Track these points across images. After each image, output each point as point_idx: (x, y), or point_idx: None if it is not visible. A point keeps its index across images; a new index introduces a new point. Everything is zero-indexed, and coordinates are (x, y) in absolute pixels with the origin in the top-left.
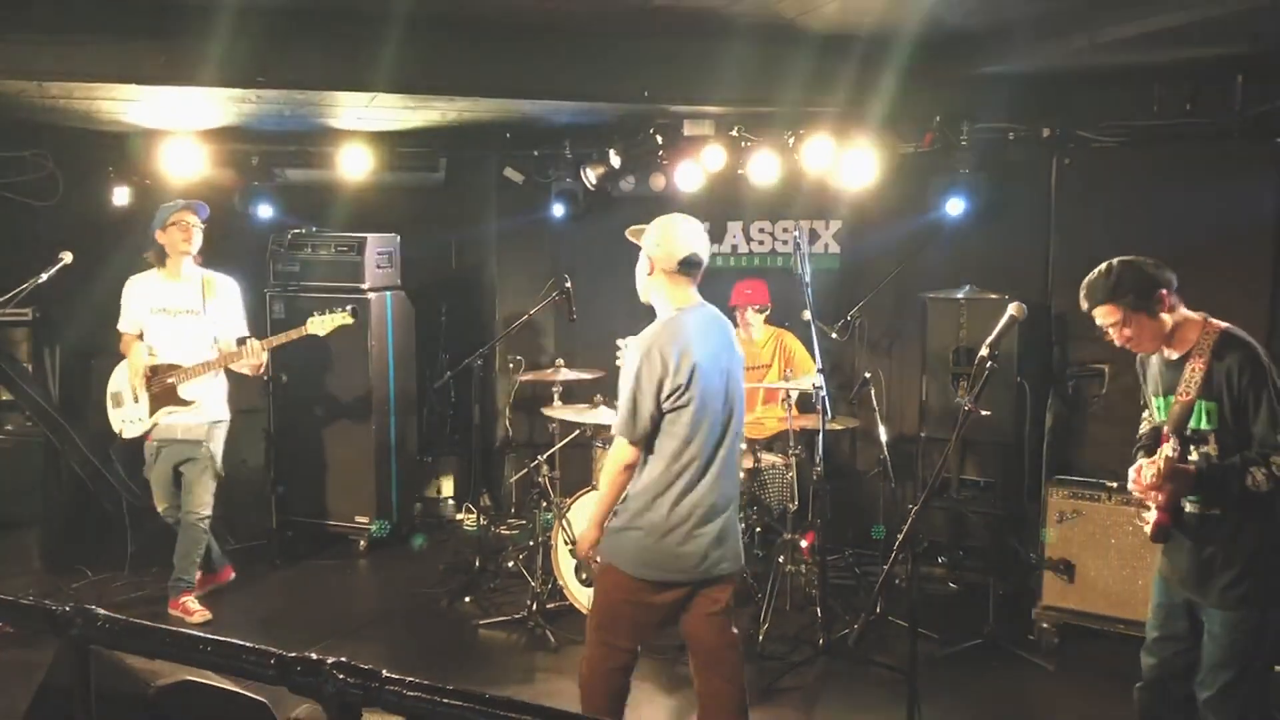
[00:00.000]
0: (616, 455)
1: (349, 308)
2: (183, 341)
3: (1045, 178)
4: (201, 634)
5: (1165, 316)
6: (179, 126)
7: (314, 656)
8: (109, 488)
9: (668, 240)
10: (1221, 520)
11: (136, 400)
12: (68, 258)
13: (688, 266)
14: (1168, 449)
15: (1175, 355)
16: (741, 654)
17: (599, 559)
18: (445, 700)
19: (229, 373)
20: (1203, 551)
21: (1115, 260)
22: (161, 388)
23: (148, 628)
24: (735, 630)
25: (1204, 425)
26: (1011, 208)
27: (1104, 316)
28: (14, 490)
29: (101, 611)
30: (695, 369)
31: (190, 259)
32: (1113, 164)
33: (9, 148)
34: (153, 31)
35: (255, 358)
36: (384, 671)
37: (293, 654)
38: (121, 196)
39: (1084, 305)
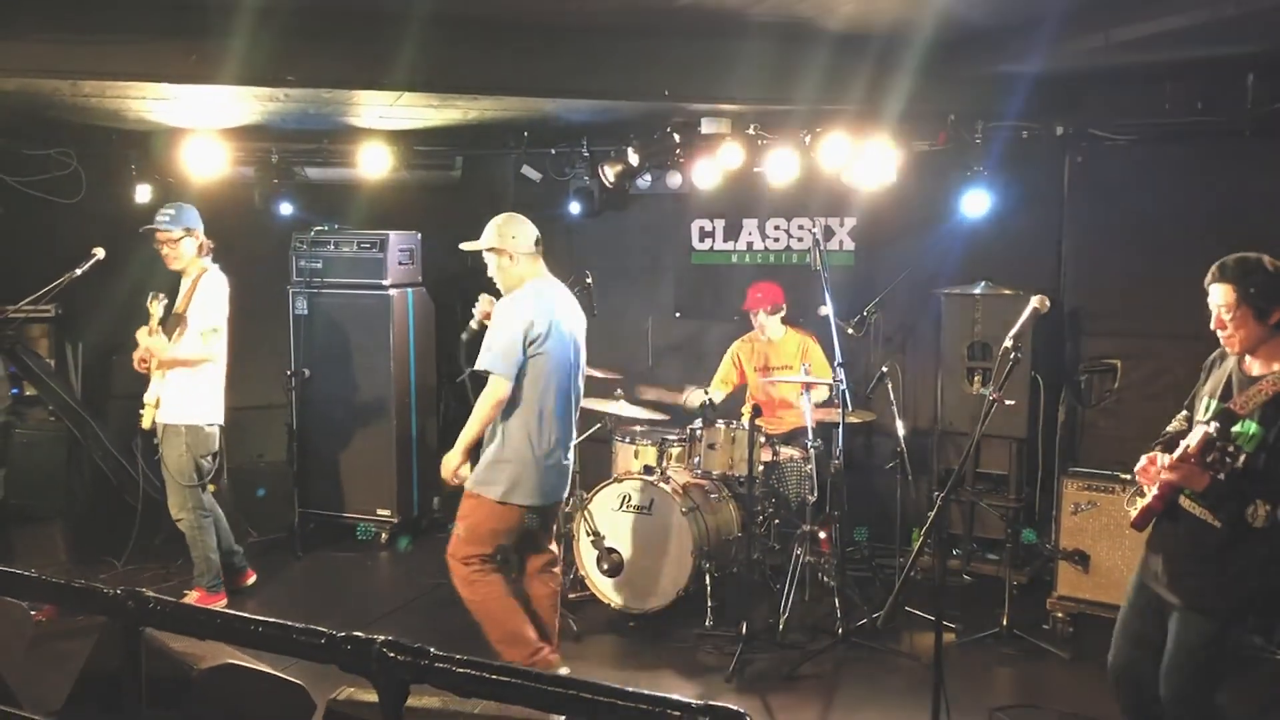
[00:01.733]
0: (494, 391)
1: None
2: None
3: (1058, 175)
4: (251, 615)
5: (1269, 327)
6: (201, 125)
7: (363, 635)
8: (131, 481)
9: (520, 230)
10: (1217, 533)
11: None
12: (100, 253)
13: (538, 245)
14: (1210, 427)
15: (1255, 370)
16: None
17: (470, 489)
18: (494, 676)
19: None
20: (1181, 549)
21: (1266, 256)
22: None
23: (199, 610)
24: (553, 548)
25: (1244, 445)
26: (1024, 205)
27: (1219, 294)
28: (39, 483)
29: (152, 594)
30: (551, 324)
31: (185, 263)
32: (1125, 162)
33: (33, 146)
34: (185, 31)
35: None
36: (432, 649)
37: (342, 633)
38: (143, 194)
39: (1208, 278)
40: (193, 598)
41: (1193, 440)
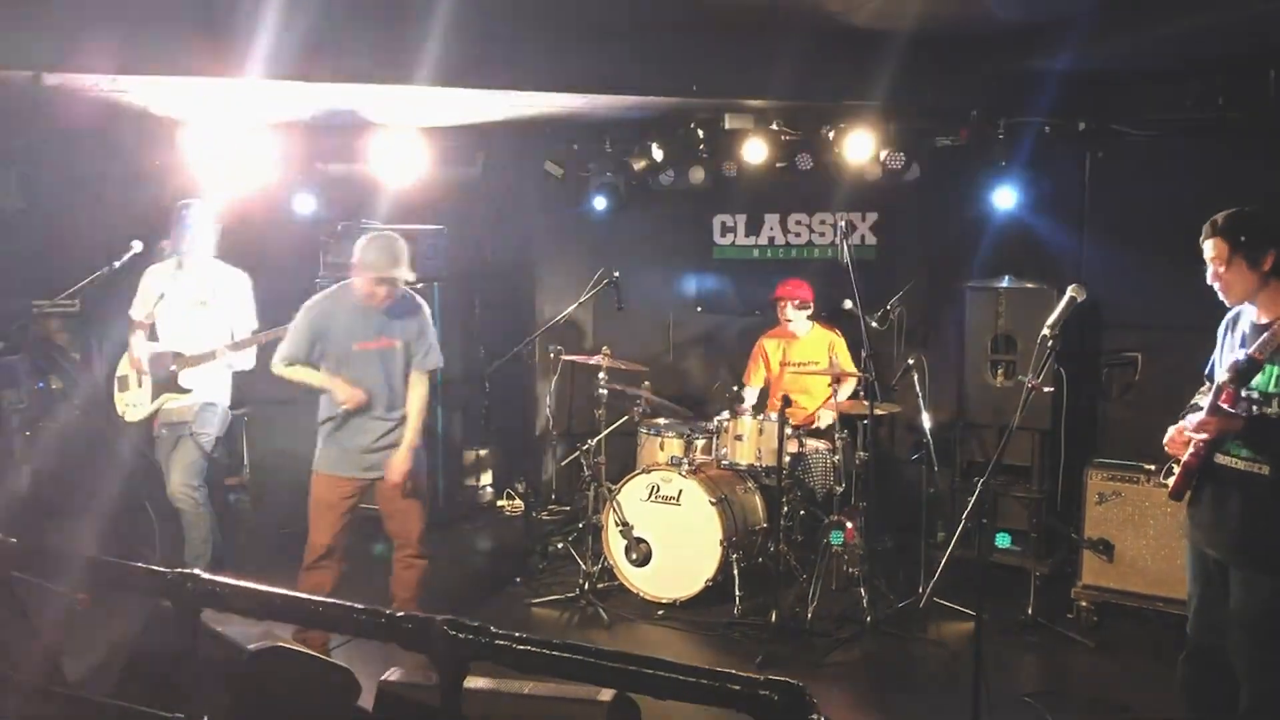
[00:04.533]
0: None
1: None
2: (190, 331)
3: (1079, 170)
4: (312, 595)
5: (1263, 274)
6: (227, 120)
7: (422, 614)
8: (157, 473)
9: None
10: (1265, 481)
11: (140, 385)
12: (138, 246)
13: None
14: (1241, 355)
15: (1264, 319)
16: None
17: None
18: (553, 653)
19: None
20: (1232, 507)
21: (1256, 206)
22: (164, 374)
23: (257, 590)
24: None
25: (1271, 388)
26: (1046, 200)
27: (1211, 248)
28: (66, 478)
29: (206, 575)
30: None
31: (199, 252)
32: (1146, 157)
33: (61, 142)
34: (217, 26)
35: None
36: (492, 627)
37: (401, 612)
38: (170, 190)
39: (1201, 236)
40: None
41: (1223, 376)
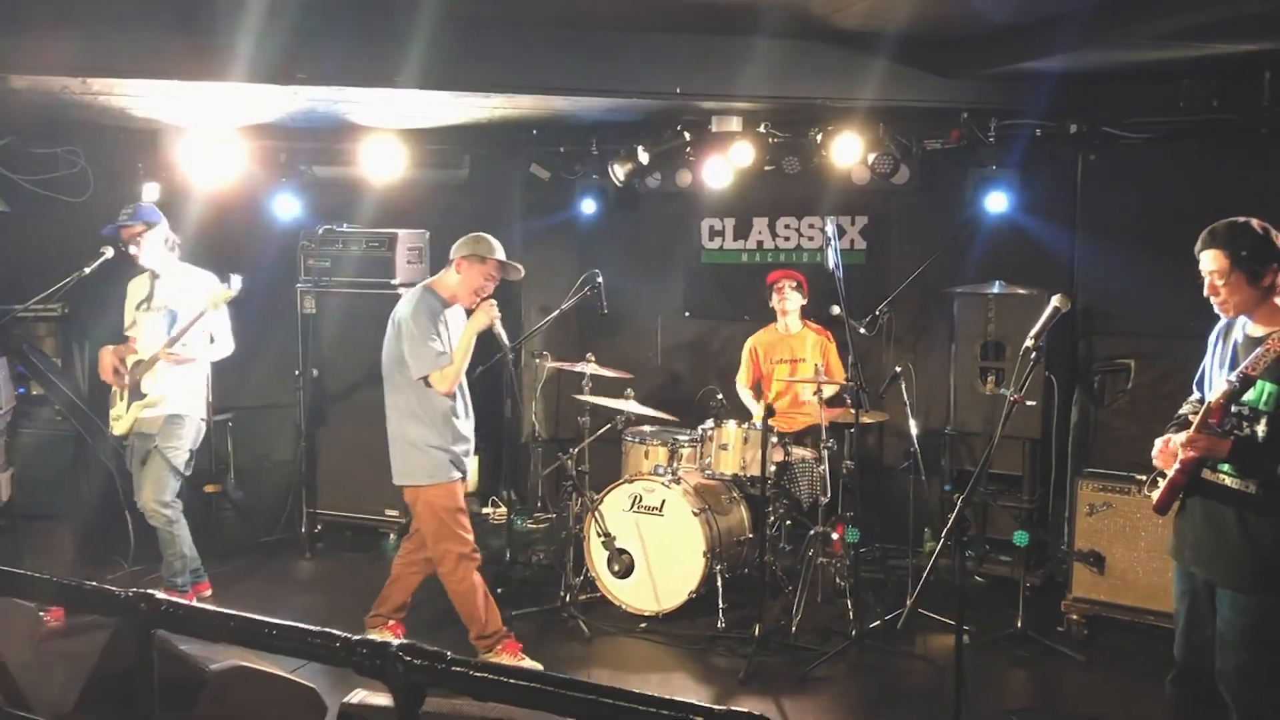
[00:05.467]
0: None
1: (232, 280)
2: (157, 338)
3: (1071, 173)
4: (266, 618)
5: (1263, 289)
6: (209, 123)
7: (379, 639)
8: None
9: None
10: (1254, 500)
11: (121, 398)
12: (109, 252)
13: None
14: (1233, 376)
15: (1259, 332)
16: None
17: None
18: (512, 680)
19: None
20: (1219, 524)
21: (1254, 219)
22: (132, 383)
23: (211, 611)
24: None
25: (1261, 405)
26: (1037, 203)
27: (1210, 260)
28: (46, 483)
29: (163, 596)
30: None
31: (164, 259)
32: (1139, 160)
33: (41, 144)
34: (195, 28)
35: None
36: (449, 653)
37: (358, 637)
38: (151, 193)
39: (1198, 246)
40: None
41: (1215, 395)
